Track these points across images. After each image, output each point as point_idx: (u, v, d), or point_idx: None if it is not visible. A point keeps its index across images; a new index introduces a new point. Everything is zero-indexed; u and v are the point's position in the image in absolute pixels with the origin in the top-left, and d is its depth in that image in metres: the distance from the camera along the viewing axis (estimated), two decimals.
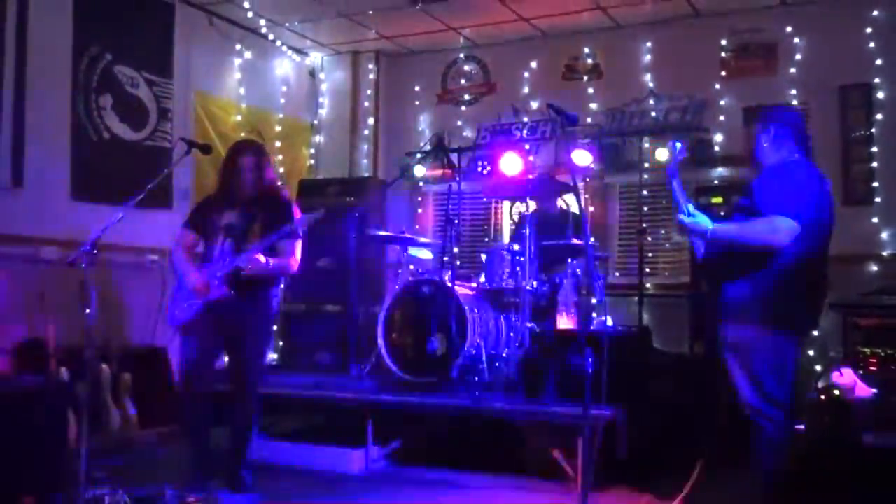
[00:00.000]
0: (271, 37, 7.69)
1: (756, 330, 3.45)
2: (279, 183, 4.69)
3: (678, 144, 3.75)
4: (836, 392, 3.70)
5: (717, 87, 6.85)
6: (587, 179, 7.22)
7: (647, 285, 6.59)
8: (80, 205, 5.80)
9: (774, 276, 3.40)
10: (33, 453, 4.02)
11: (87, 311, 3.72)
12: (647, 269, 6.71)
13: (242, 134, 7.09)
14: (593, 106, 7.23)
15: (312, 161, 8.28)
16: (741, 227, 3.54)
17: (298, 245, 4.38)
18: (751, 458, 3.50)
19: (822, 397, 3.70)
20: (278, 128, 7.79)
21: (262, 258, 4.16)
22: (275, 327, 6.26)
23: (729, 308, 3.54)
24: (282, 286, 4.69)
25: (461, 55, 7.95)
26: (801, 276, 3.43)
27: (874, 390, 3.78)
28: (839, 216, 6.38)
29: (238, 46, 7.37)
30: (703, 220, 3.54)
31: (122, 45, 6.23)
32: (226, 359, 4.52)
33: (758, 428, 3.46)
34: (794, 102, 6.53)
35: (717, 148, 6.78)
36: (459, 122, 7.85)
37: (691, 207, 3.58)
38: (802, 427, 3.70)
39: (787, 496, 3.47)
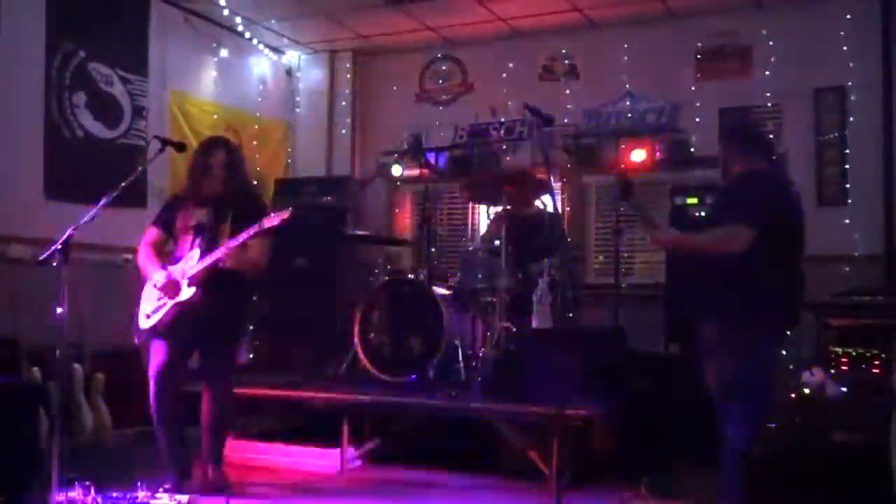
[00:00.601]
0: (248, 35, 7.65)
1: (730, 328, 3.58)
2: (252, 181, 4.64)
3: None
4: (807, 391, 3.74)
5: (693, 88, 6.89)
6: (563, 180, 7.26)
7: (623, 285, 6.63)
8: (53, 203, 5.74)
9: (745, 278, 3.53)
10: (4, 453, 3.98)
11: (60, 310, 3.69)
12: (623, 269, 6.75)
13: (229, 133, 7.07)
14: (570, 106, 7.25)
15: (289, 160, 8.25)
16: (700, 236, 3.82)
17: (268, 243, 4.34)
18: (720, 454, 3.60)
19: (794, 396, 3.74)
20: (255, 127, 7.74)
21: (236, 247, 4.12)
22: (251, 327, 6.23)
23: (704, 307, 3.69)
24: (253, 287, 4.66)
25: (438, 55, 7.95)
26: (772, 276, 3.55)
27: (844, 389, 3.83)
28: (812, 217, 6.46)
29: (214, 45, 7.33)
30: (669, 232, 3.84)
31: (96, 42, 6.17)
32: (197, 358, 4.50)
33: (728, 422, 3.58)
34: (769, 105, 6.61)
35: (692, 149, 6.82)
36: (437, 122, 7.84)
37: (657, 219, 3.87)
38: (773, 425, 3.75)
39: (758, 492, 3.52)
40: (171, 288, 4.18)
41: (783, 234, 3.57)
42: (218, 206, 4.31)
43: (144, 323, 4.29)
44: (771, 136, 6.37)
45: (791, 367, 4.97)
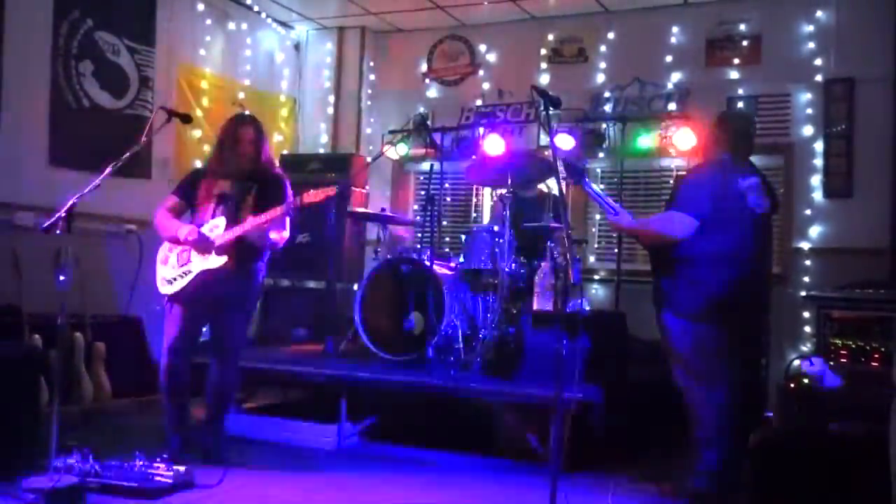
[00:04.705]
0: (256, 9, 7.61)
1: (674, 316, 3.94)
2: (274, 159, 4.66)
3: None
4: (806, 381, 3.76)
5: (702, 75, 6.86)
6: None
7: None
8: (57, 171, 5.74)
9: (687, 270, 3.88)
10: (4, 420, 4.00)
11: (62, 278, 3.70)
12: (625, 255, 6.74)
13: (235, 106, 7.07)
14: (577, 90, 7.21)
15: (294, 136, 8.23)
16: (647, 221, 4.25)
17: (288, 221, 4.40)
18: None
19: (792, 385, 3.75)
20: (260, 101, 7.72)
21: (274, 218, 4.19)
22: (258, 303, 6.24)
23: (656, 297, 4.07)
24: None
25: (447, 34, 7.91)
26: (712, 268, 3.84)
27: (842, 381, 3.84)
28: (818, 209, 6.45)
29: (222, 17, 7.29)
30: (624, 218, 4.14)
31: (103, 11, 6.14)
32: (205, 329, 4.52)
33: (686, 399, 3.98)
34: (777, 94, 6.57)
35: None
36: (443, 102, 7.82)
37: (617, 206, 4.17)
38: (770, 414, 3.78)
39: (754, 480, 3.54)
40: (203, 244, 4.18)
41: (723, 229, 3.82)
42: (242, 179, 4.35)
43: (165, 288, 4.31)
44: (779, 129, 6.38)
45: (791, 357, 5.00)
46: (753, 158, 4.20)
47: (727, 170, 3.95)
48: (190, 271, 4.23)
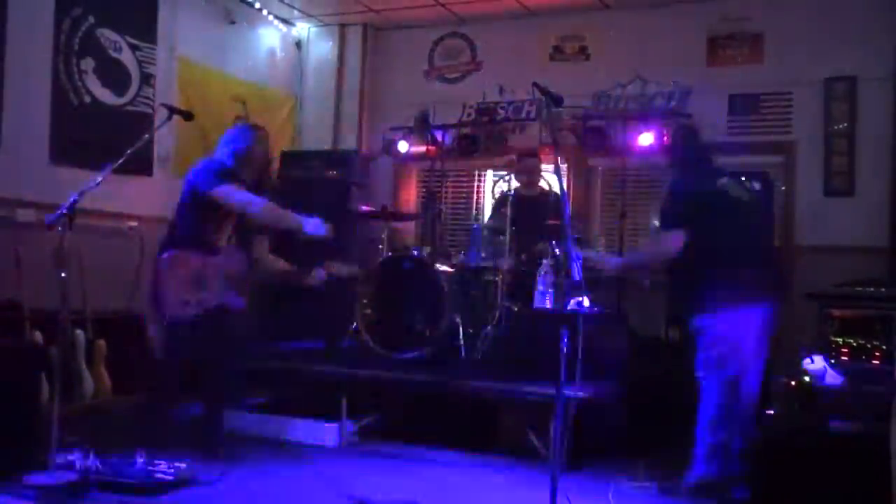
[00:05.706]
0: (258, 5, 7.61)
1: (707, 315, 4.06)
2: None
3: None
4: (807, 379, 3.76)
5: (703, 74, 6.85)
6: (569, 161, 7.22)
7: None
8: (59, 168, 5.73)
9: (703, 270, 4.03)
10: (5, 416, 4.01)
11: (63, 275, 3.71)
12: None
13: (236, 103, 7.07)
14: (579, 88, 7.20)
15: (296, 133, 8.23)
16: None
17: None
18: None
19: (793, 383, 3.75)
20: (262, 98, 7.72)
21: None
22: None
23: (685, 305, 4.23)
24: None
25: (449, 32, 7.90)
26: (725, 260, 4.01)
27: (844, 379, 3.84)
28: (818, 208, 6.46)
29: (224, 14, 7.28)
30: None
31: (105, 7, 6.13)
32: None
33: (702, 390, 4.08)
34: (779, 92, 6.56)
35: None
36: (445, 99, 7.81)
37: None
38: (771, 412, 3.79)
39: (755, 478, 3.55)
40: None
41: (714, 229, 4.01)
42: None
43: (177, 309, 4.25)
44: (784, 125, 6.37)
45: (791, 355, 4.99)
46: (755, 157, 4.32)
47: (703, 173, 4.23)
48: (210, 299, 4.26)
